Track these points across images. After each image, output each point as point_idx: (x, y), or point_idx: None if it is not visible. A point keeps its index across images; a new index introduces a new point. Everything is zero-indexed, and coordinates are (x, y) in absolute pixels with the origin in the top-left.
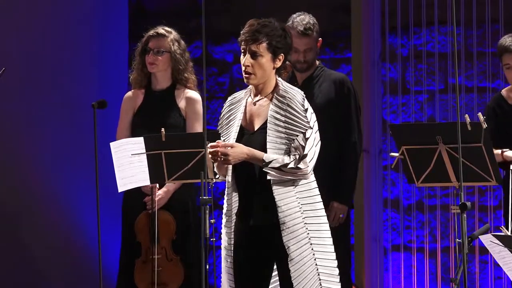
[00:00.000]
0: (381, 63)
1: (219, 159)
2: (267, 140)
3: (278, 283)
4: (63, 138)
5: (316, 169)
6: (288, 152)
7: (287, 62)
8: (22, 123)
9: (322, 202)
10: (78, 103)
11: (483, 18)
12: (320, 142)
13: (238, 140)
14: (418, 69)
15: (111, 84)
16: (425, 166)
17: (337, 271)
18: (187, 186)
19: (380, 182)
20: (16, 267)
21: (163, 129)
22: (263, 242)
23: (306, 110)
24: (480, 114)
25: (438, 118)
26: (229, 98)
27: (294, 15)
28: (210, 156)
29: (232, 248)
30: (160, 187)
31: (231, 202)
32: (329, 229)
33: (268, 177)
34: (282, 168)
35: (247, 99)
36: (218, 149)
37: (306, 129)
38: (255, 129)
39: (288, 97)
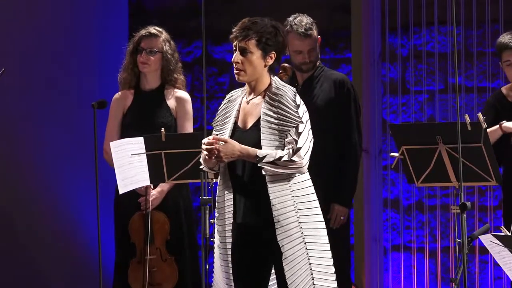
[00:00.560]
0: (381, 63)
1: (212, 156)
2: (261, 138)
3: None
4: (63, 138)
5: (316, 170)
6: (282, 148)
7: (286, 64)
8: (22, 123)
9: (317, 201)
10: (78, 103)
11: (483, 18)
12: (313, 140)
13: (231, 137)
14: (418, 69)
15: (111, 84)
16: (425, 166)
17: (332, 269)
18: (179, 186)
19: (380, 182)
20: (15, 267)
21: (163, 129)
22: (259, 241)
23: (298, 106)
24: (480, 114)
25: (438, 118)
26: (227, 96)
27: (290, 18)
28: (204, 152)
29: (227, 247)
30: (154, 187)
31: (223, 199)
32: (325, 227)
33: (263, 173)
34: (276, 162)
35: (242, 98)
36: (212, 147)
37: (298, 124)
38: (248, 127)
39: (280, 94)
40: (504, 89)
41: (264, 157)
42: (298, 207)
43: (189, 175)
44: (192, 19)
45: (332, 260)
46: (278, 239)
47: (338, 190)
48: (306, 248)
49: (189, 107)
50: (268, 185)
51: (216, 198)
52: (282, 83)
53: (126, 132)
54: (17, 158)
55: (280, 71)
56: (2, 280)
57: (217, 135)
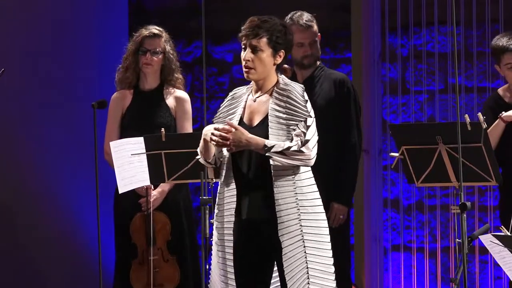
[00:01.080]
0: (381, 63)
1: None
2: (269, 133)
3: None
4: (63, 138)
5: (316, 169)
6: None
7: (286, 66)
8: (22, 123)
9: (320, 199)
10: (78, 103)
11: (483, 18)
12: (317, 136)
13: None
14: (418, 69)
15: (111, 84)
16: (425, 166)
17: (332, 269)
18: (179, 186)
19: (380, 182)
20: (15, 267)
21: (163, 129)
22: (262, 236)
23: (306, 101)
24: (480, 114)
25: (438, 118)
26: (230, 93)
27: (290, 15)
28: (213, 138)
29: (225, 244)
30: (155, 188)
31: (223, 196)
32: (328, 227)
33: (272, 163)
34: (285, 152)
35: (248, 95)
36: (227, 135)
37: (306, 117)
38: (254, 125)
39: (288, 89)
40: (500, 91)
41: (273, 146)
42: (301, 205)
43: (189, 175)
44: (192, 19)
45: (332, 259)
46: (279, 235)
47: (338, 189)
48: (305, 246)
49: (189, 107)
50: (274, 181)
51: (217, 195)
52: (289, 80)
53: (125, 132)
54: (17, 158)
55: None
56: (2, 280)
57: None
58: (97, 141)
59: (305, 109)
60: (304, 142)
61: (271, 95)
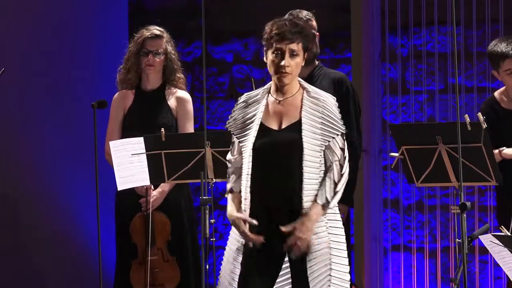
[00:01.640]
0: (381, 63)
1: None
2: (303, 140)
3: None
4: (63, 138)
5: None
6: (322, 152)
7: None
8: (22, 123)
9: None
10: (78, 103)
11: (483, 18)
12: None
13: (260, 138)
14: (418, 69)
15: (111, 84)
16: (425, 166)
17: (348, 276)
18: (179, 186)
19: (380, 182)
20: (15, 267)
21: (163, 129)
22: (282, 238)
23: (339, 112)
24: (479, 114)
25: (438, 118)
26: (242, 98)
27: (289, 12)
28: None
29: (249, 249)
30: (155, 188)
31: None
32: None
33: (304, 170)
34: (338, 192)
35: (267, 98)
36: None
37: (342, 132)
38: (282, 128)
39: (323, 99)
40: (497, 94)
41: (328, 199)
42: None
43: (189, 175)
44: (192, 19)
45: (348, 267)
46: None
47: None
48: (330, 247)
49: (190, 107)
50: (304, 183)
51: (243, 200)
52: (314, 87)
53: (126, 132)
54: (17, 158)
55: None
56: (2, 280)
57: (239, 139)
58: (97, 141)
59: (341, 123)
60: (344, 160)
61: (301, 99)
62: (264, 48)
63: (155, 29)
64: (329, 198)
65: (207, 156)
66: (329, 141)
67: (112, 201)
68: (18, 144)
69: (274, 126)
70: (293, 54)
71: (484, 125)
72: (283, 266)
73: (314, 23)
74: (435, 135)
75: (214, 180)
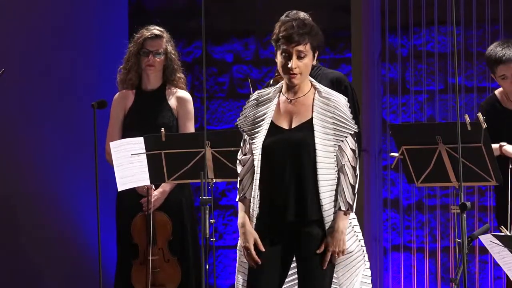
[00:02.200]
0: (381, 63)
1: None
2: (316, 141)
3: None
4: (63, 138)
5: None
6: (335, 152)
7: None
8: (22, 123)
9: None
10: (78, 103)
11: (483, 18)
12: None
13: (270, 137)
14: (418, 69)
15: (111, 84)
16: (425, 166)
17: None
18: (180, 186)
19: (380, 182)
20: (15, 267)
21: (163, 129)
22: (286, 236)
23: (351, 113)
24: (479, 114)
25: (438, 118)
26: (253, 96)
27: (284, 15)
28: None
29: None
30: (156, 188)
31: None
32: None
33: (318, 167)
34: (355, 191)
35: (278, 97)
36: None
37: (355, 131)
38: (292, 127)
39: (334, 100)
40: (498, 93)
41: (352, 203)
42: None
43: (189, 175)
44: (192, 19)
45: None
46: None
47: None
48: (359, 241)
49: (191, 106)
50: (320, 185)
51: (252, 199)
52: (325, 87)
53: (127, 132)
54: (17, 158)
55: (276, 74)
56: (2, 280)
57: (249, 138)
58: (97, 141)
59: (353, 122)
60: (356, 161)
61: (312, 99)
62: (275, 48)
63: (155, 29)
64: (351, 203)
65: (207, 156)
66: (342, 141)
67: (112, 201)
68: (18, 144)
69: (284, 125)
70: (300, 56)
71: (484, 125)
72: (291, 265)
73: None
74: (435, 135)
75: (214, 180)
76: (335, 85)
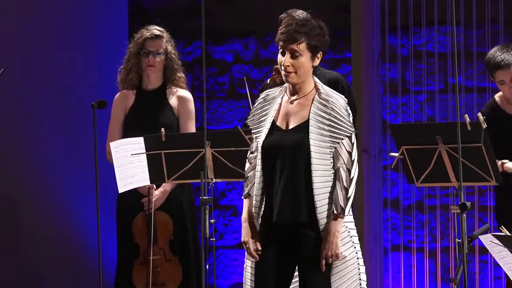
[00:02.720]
0: (381, 63)
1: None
2: (311, 143)
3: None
4: (63, 138)
5: None
6: (330, 154)
7: (275, 66)
8: (22, 123)
9: None
10: (78, 103)
11: (483, 18)
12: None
13: (269, 137)
14: (418, 69)
15: (111, 84)
16: (425, 166)
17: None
18: (181, 186)
19: (380, 182)
20: (15, 267)
21: (163, 129)
22: (289, 239)
23: (349, 114)
24: (479, 114)
25: (438, 118)
26: (262, 94)
27: (284, 14)
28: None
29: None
30: (157, 187)
31: (259, 199)
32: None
33: (312, 168)
34: (350, 197)
35: (282, 97)
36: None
37: (351, 133)
38: (289, 128)
39: (332, 101)
40: (497, 98)
41: (342, 207)
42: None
43: (189, 175)
44: (192, 19)
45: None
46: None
47: None
48: (355, 248)
49: (191, 106)
50: (314, 187)
51: (254, 197)
52: (329, 88)
53: (128, 132)
54: (17, 158)
55: (274, 73)
56: (2, 280)
57: (254, 135)
58: (97, 141)
59: (350, 125)
60: (351, 164)
61: (312, 101)
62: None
63: (155, 29)
64: (343, 206)
65: (207, 156)
66: (338, 143)
67: (112, 201)
68: (18, 144)
69: (283, 125)
70: (294, 54)
71: (484, 125)
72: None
73: None
74: (435, 135)
75: (214, 180)
76: (332, 85)
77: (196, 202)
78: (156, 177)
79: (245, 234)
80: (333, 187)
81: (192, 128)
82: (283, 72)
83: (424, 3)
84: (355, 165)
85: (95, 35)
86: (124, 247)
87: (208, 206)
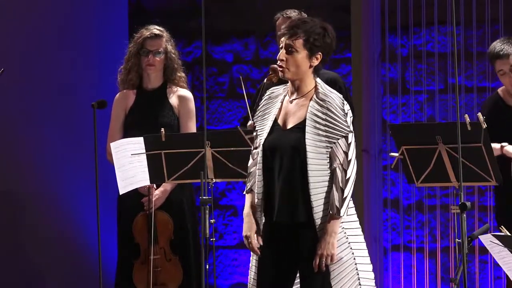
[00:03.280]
0: (381, 63)
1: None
2: (307, 143)
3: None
4: (63, 138)
5: None
6: (327, 154)
7: (276, 66)
8: (22, 123)
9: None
10: (78, 103)
11: (483, 18)
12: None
13: (268, 136)
14: (418, 69)
15: (111, 84)
16: (425, 166)
17: (372, 274)
18: (181, 185)
19: (380, 182)
20: (15, 267)
21: (162, 129)
22: (289, 240)
23: (346, 114)
24: (479, 114)
25: (438, 118)
26: (268, 92)
27: (279, 13)
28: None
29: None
30: (157, 187)
31: (260, 198)
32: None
33: (309, 168)
34: (347, 196)
35: (285, 96)
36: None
37: (348, 133)
38: (287, 127)
39: (328, 101)
40: (500, 91)
41: (338, 208)
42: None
43: (189, 175)
44: (192, 19)
45: (371, 265)
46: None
47: None
48: (351, 248)
49: (192, 105)
50: (310, 187)
51: (256, 194)
52: (328, 87)
53: (128, 132)
54: (17, 158)
55: (270, 73)
56: (2, 280)
57: (257, 133)
58: (97, 141)
59: (346, 124)
60: (348, 164)
61: (309, 100)
62: None
63: (155, 29)
64: (338, 206)
65: (207, 156)
66: (334, 143)
67: (112, 201)
68: (18, 144)
69: (282, 125)
70: (290, 50)
71: (484, 125)
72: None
73: None
74: (435, 135)
75: (214, 180)
76: (330, 85)
77: (197, 202)
78: (156, 177)
79: (247, 228)
80: (330, 187)
81: (192, 127)
82: (278, 68)
83: (424, 3)
84: (352, 165)
85: (95, 35)
86: (125, 247)
87: (208, 206)
